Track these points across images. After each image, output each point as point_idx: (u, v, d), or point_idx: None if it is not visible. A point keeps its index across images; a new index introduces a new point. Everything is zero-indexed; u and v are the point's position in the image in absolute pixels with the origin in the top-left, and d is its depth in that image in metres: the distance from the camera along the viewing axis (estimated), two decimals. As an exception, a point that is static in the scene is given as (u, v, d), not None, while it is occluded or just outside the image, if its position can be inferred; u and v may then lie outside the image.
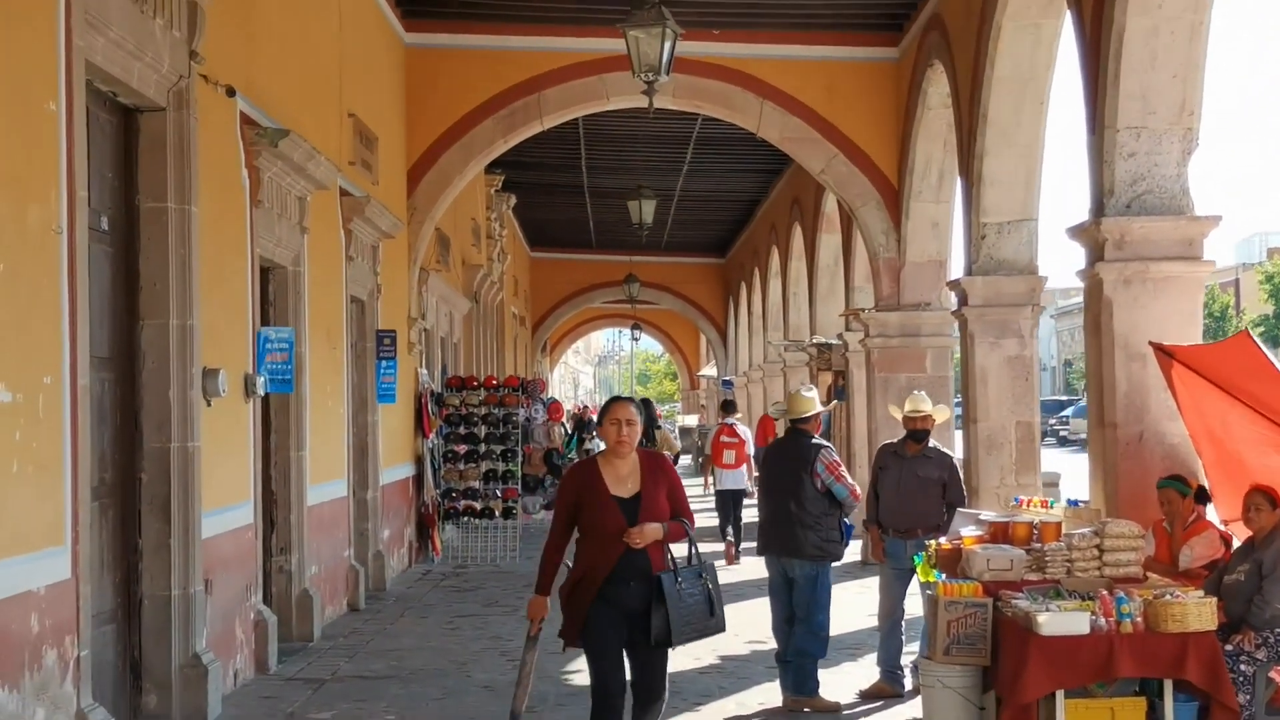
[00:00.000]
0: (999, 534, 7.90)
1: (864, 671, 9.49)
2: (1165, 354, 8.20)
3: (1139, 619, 6.53)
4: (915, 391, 9.83)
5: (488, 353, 24.38)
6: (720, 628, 6.35)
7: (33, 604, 6.14)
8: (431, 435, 16.28)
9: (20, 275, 6.14)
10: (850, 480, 8.80)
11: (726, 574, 12.53)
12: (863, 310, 16.32)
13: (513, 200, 25.01)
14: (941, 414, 9.70)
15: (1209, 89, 8.93)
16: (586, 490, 6.30)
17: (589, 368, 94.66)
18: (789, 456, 8.85)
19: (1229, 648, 6.86)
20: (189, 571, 8.04)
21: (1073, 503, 8.83)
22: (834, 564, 8.86)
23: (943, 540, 8.20)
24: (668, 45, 12.30)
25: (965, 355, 12.66)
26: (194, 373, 8.15)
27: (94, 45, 6.88)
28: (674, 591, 6.15)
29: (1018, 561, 7.41)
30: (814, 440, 8.87)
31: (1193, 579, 7.43)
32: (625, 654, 6.27)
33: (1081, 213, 9.72)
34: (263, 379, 9.64)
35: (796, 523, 8.62)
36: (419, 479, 16.20)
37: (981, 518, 8.40)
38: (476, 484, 16.52)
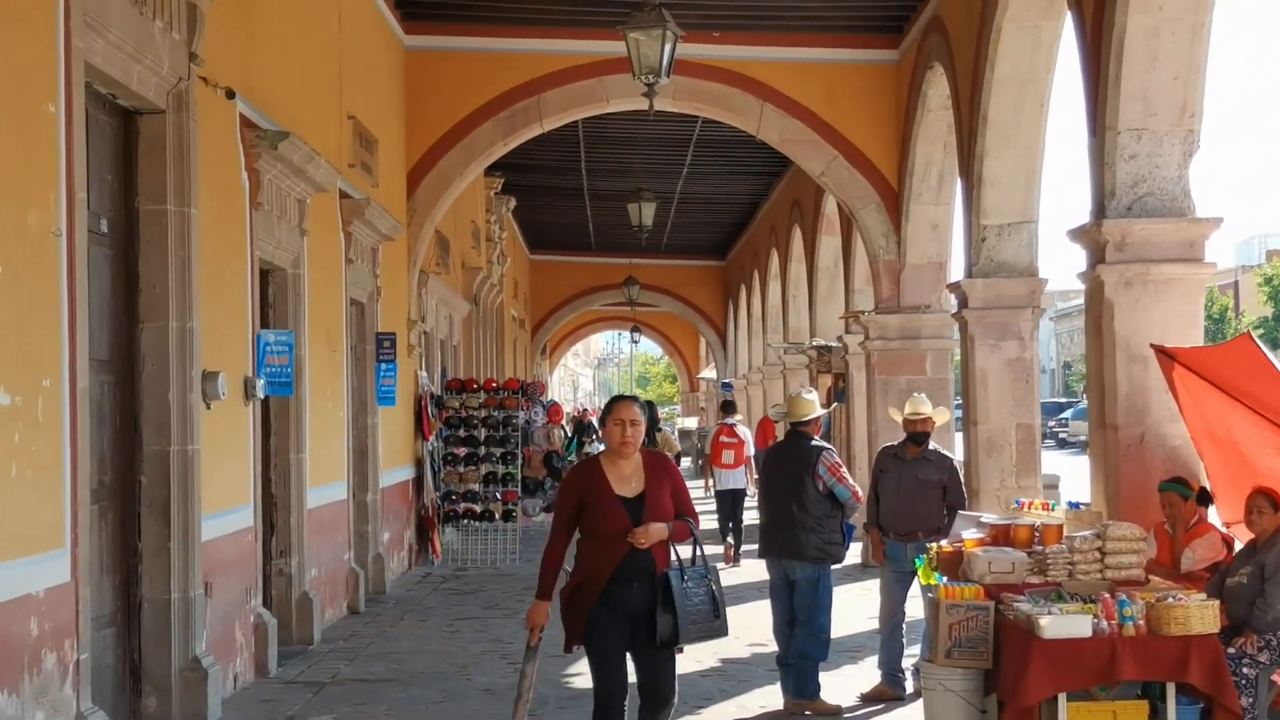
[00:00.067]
0: (1000, 537, 7.88)
1: (865, 674, 9.48)
2: (1167, 356, 8.19)
3: (1141, 622, 6.51)
4: (915, 394, 9.81)
5: (487, 355, 24.37)
6: (724, 632, 6.26)
7: (32, 607, 6.13)
8: (431, 438, 16.27)
9: (19, 278, 6.12)
10: (852, 481, 8.79)
11: (727, 576, 12.50)
12: (863, 313, 16.31)
13: (512, 203, 25.00)
14: (941, 416, 9.69)
15: (1209, 90, 8.90)
16: (590, 490, 6.22)
17: (588, 370, 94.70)
18: (790, 459, 8.84)
19: (1231, 651, 6.85)
20: (189, 574, 8.02)
21: (1073, 505, 8.81)
22: (834, 566, 8.85)
23: (944, 543, 8.18)
24: (668, 47, 12.29)
25: (965, 357, 12.65)
26: (194, 375, 8.14)
27: (93, 47, 6.87)
28: (680, 590, 6.08)
29: (1019, 564, 7.39)
30: (815, 442, 8.86)
31: (1195, 582, 7.41)
32: (629, 656, 6.22)
33: (1082, 215, 9.71)
34: (262, 382, 9.62)
35: (798, 525, 8.61)
36: (419, 482, 16.19)
37: (982, 520, 8.38)
38: (476, 486, 16.52)
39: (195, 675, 8.00)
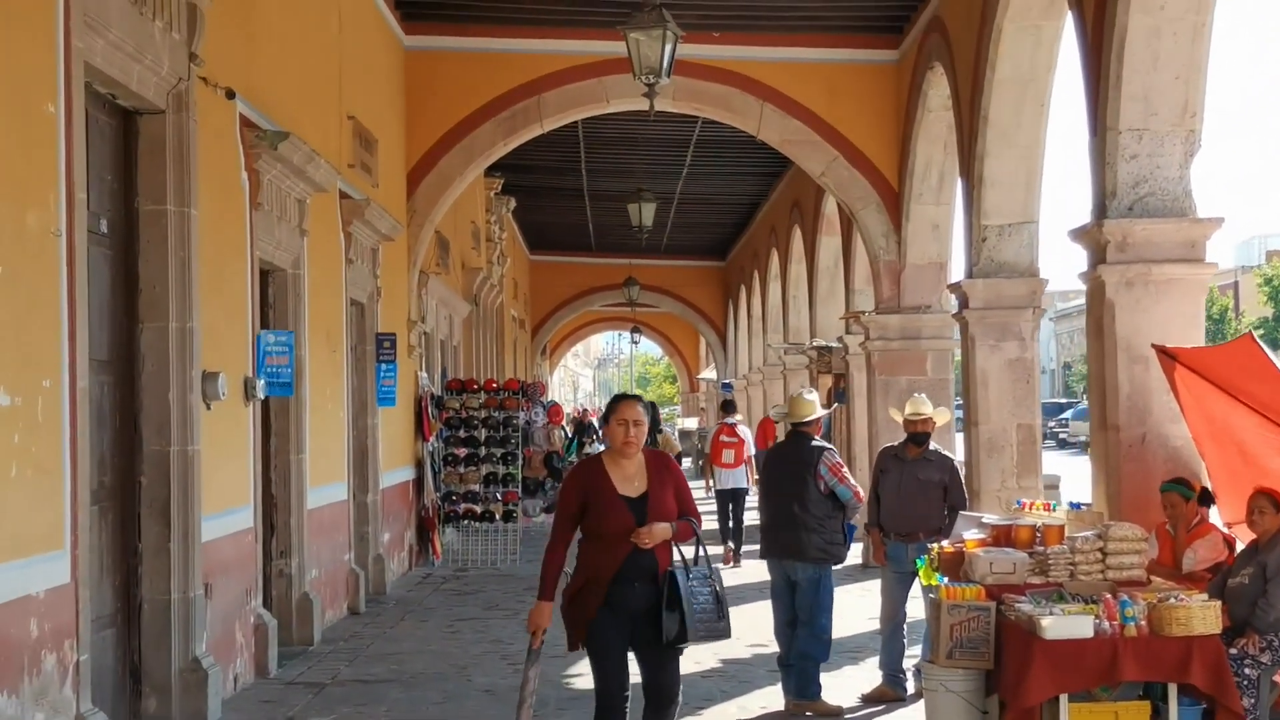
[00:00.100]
0: (1001, 537, 7.87)
1: (866, 675, 9.47)
2: (1168, 356, 8.17)
3: (1143, 622, 6.51)
4: (916, 394, 9.80)
5: (487, 356, 24.36)
6: (728, 633, 6.21)
7: (32, 608, 6.11)
8: (431, 438, 16.26)
9: (19, 278, 6.11)
10: (853, 481, 8.79)
11: (727, 577, 12.49)
12: (863, 313, 16.31)
13: (512, 203, 25.00)
14: (942, 417, 9.68)
15: (1209, 90, 8.90)
16: (593, 490, 6.17)
17: (589, 371, 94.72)
18: (791, 459, 8.83)
19: (1233, 651, 6.84)
20: (189, 575, 8.01)
21: (1074, 505, 8.80)
22: (835, 567, 8.84)
23: (945, 543, 8.17)
24: (668, 48, 12.28)
25: (966, 358, 12.65)
26: (193, 376, 8.13)
27: (93, 47, 6.86)
28: (686, 588, 6.04)
29: (1020, 565, 7.38)
30: (816, 442, 8.85)
31: (1196, 582, 7.40)
32: (632, 657, 6.19)
33: (1081, 215, 9.71)
34: (262, 382, 9.61)
35: (800, 525, 8.60)
36: (419, 482, 16.18)
37: (984, 521, 8.37)
38: (477, 487, 16.51)
39: (195, 676, 7.99)
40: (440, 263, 18.01)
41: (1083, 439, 37.61)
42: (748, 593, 12.86)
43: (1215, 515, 8.04)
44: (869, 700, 8.92)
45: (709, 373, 42.69)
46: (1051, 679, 6.43)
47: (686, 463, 32.58)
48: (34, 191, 6.27)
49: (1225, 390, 7.79)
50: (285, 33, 10.63)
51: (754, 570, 13.99)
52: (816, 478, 8.62)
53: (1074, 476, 17.36)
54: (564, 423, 21.86)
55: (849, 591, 12.51)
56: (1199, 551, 7.64)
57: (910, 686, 8.93)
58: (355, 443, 13.07)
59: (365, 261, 13.33)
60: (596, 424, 25.31)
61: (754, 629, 10.55)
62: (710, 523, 16.79)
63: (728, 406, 18.29)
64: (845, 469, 8.82)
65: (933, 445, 9.31)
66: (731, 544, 16.35)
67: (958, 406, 14.52)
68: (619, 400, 6.36)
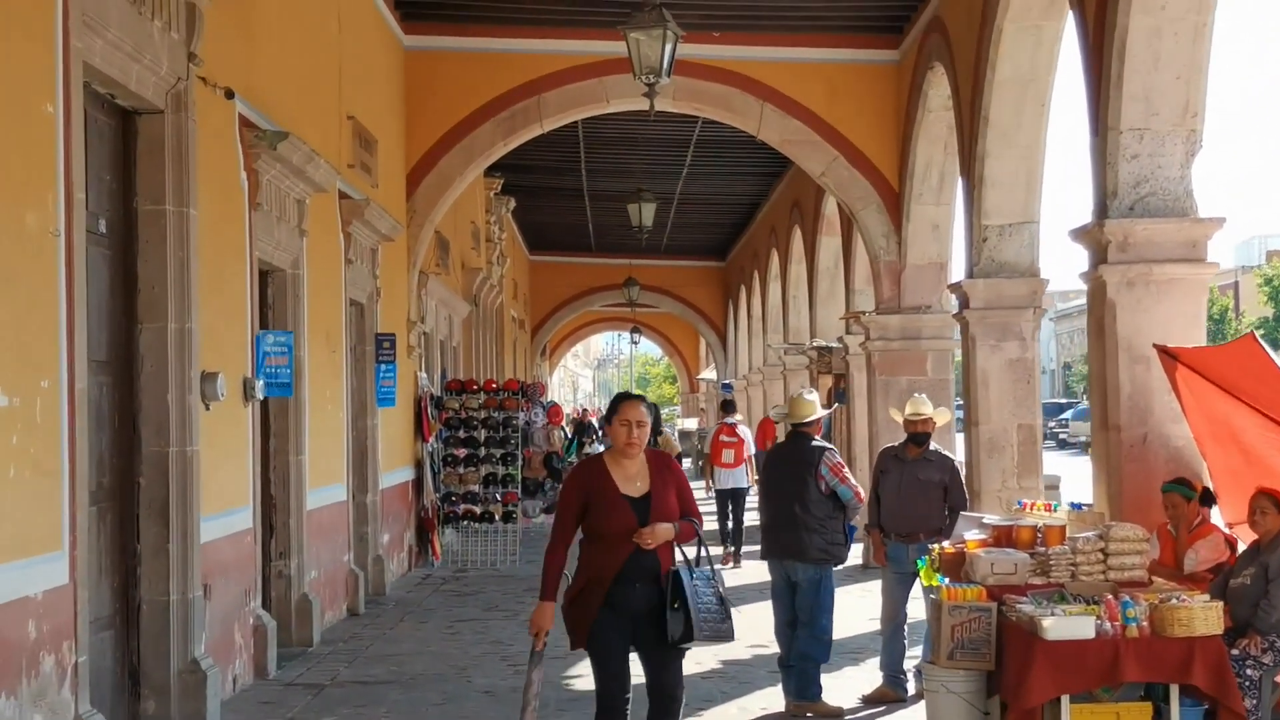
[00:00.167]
0: (1002, 538, 7.86)
1: (866, 676, 9.45)
2: (1169, 356, 8.16)
3: (1144, 623, 6.49)
4: (916, 394, 9.79)
5: (487, 356, 24.35)
6: (731, 635, 6.18)
7: (30, 609, 6.10)
8: (431, 439, 16.25)
9: (18, 279, 6.10)
10: (854, 481, 8.77)
11: (727, 577, 12.48)
12: (863, 313, 16.30)
13: (512, 203, 24.99)
14: (942, 417, 9.67)
15: (1210, 90, 8.89)
16: (595, 490, 6.13)
17: (588, 371, 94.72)
18: (792, 460, 8.81)
19: (1235, 652, 6.82)
20: (188, 576, 7.99)
21: (1075, 506, 8.79)
22: (836, 568, 8.83)
23: (946, 544, 8.16)
24: (669, 47, 12.27)
25: (966, 358, 12.64)
26: (192, 376, 8.11)
27: (92, 47, 6.84)
28: (691, 587, 6.01)
29: (1022, 565, 7.37)
30: (816, 443, 8.84)
31: (1198, 583, 7.39)
32: (635, 657, 6.17)
33: (1083, 215, 9.69)
34: (261, 383, 9.60)
35: (800, 526, 8.58)
36: (419, 483, 16.17)
37: (985, 521, 8.36)
38: (476, 488, 16.49)
39: (194, 677, 7.97)
40: (440, 263, 18.00)
41: (1083, 439, 37.62)
42: (748, 593, 12.84)
43: (1217, 515, 8.03)
44: (870, 701, 8.90)
45: (709, 373, 42.69)
46: (1053, 680, 6.42)
47: (686, 463, 32.55)
48: (33, 191, 6.25)
49: (1227, 390, 7.78)
50: (285, 33, 10.61)
51: (754, 571, 13.98)
52: (817, 478, 8.60)
53: (1074, 477, 17.35)
54: (564, 423, 21.86)
55: (849, 592, 12.49)
56: (1200, 552, 7.63)
57: (911, 687, 8.91)
58: (354, 443, 13.06)
59: (365, 262, 13.32)
60: (596, 424, 25.33)
61: (754, 630, 10.53)
62: (710, 523, 16.81)
63: (727, 406, 18.29)
64: (846, 469, 8.80)
65: (933, 445, 9.29)
66: (731, 546, 16.34)
67: (958, 407, 14.50)
68: (622, 400, 6.29)
